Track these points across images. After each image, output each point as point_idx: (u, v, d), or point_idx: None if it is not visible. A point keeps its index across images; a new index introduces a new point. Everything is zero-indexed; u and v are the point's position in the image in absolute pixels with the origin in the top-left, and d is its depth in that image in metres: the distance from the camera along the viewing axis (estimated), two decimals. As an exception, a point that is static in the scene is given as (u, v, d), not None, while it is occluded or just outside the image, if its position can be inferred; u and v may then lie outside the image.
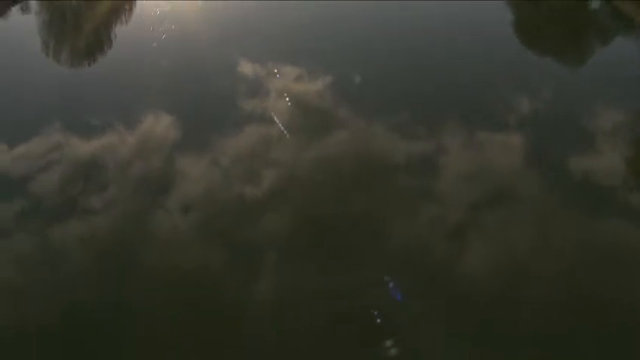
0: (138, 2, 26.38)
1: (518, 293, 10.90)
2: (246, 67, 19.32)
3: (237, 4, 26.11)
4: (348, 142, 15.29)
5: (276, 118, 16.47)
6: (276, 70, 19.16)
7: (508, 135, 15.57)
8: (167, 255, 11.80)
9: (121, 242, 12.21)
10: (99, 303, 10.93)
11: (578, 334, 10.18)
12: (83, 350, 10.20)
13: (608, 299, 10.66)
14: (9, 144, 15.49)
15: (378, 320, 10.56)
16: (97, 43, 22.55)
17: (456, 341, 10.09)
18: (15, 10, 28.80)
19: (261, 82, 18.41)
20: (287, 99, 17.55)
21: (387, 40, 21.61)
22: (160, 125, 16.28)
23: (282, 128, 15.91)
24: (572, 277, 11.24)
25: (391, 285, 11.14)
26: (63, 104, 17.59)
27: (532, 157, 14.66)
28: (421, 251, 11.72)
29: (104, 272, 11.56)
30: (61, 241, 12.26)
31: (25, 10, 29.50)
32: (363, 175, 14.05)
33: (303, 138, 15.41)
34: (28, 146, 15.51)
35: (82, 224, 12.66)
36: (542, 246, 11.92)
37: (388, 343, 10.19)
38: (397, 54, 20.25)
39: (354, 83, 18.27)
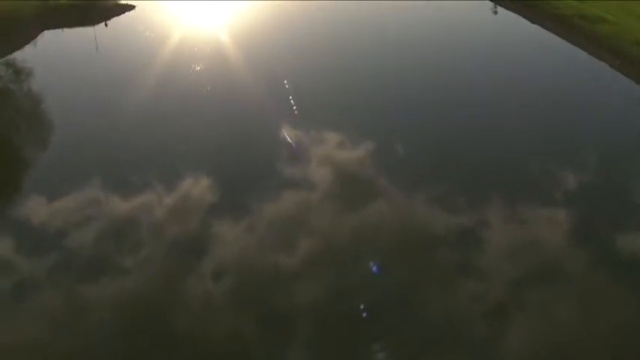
0: (174, 63, 28.52)
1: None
2: (289, 131, 19.90)
3: (277, 68, 27.31)
4: (388, 213, 15.49)
5: (315, 184, 16.84)
6: (318, 136, 19.84)
7: (553, 209, 15.63)
8: (197, 322, 11.75)
9: (151, 306, 12.23)
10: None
11: None
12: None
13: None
14: (48, 197, 15.89)
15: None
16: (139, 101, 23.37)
17: None
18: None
19: (303, 147, 18.94)
20: (327, 166, 17.93)
21: (433, 108, 22.55)
22: (197, 187, 16.58)
23: (321, 195, 16.16)
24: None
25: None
26: (103, 160, 18.20)
27: (578, 232, 14.68)
28: (462, 329, 11.65)
29: (132, 336, 11.59)
30: (91, 299, 12.22)
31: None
32: (402, 248, 14.09)
33: (342, 207, 15.64)
34: (66, 201, 15.83)
35: (113, 284, 12.65)
36: (588, 327, 11.86)
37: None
38: (443, 123, 21.08)
39: (396, 151, 18.63)
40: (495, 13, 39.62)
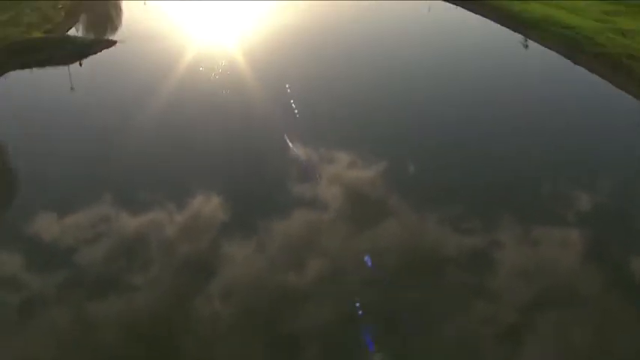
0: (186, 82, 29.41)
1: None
2: (300, 150, 21.32)
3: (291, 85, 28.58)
4: (399, 234, 16.70)
5: (325, 205, 18.04)
6: (328, 155, 21.19)
7: (567, 230, 16.84)
8: (205, 344, 12.96)
9: (159, 325, 13.47)
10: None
11: None
12: None
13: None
14: (58, 214, 17.22)
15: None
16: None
17: None
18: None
19: (314, 166, 20.25)
20: (338, 185, 19.21)
21: (445, 129, 23.81)
22: (208, 205, 17.88)
23: (332, 215, 17.52)
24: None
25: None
26: (113, 177, 19.60)
27: (592, 254, 15.86)
28: (472, 353, 12.70)
29: (139, 356, 12.79)
30: (99, 318, 13.55)
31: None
32: (413, 269, 15.28)
33: (353, 227, 16.95)
34: (77, 217, 17.13)
35: (121, 303, 14.10)
36: (603, 351, 12.69)
37: None
38: (454, 144, 22.40)
39: (408, 171, 20.22)
40: (526, 47, 37.93)
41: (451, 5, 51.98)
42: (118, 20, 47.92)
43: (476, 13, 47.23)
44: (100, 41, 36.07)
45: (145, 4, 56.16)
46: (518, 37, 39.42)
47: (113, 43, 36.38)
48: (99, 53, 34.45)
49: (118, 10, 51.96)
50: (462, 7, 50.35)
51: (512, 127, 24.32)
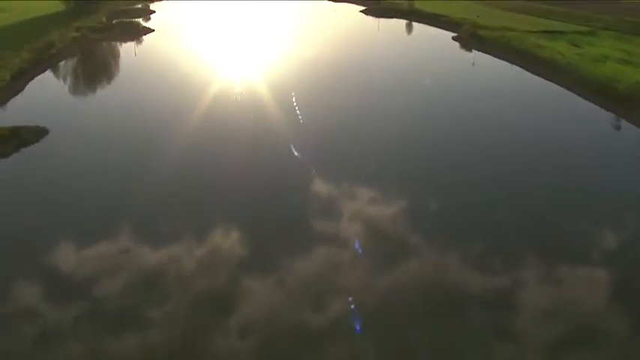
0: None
1: None
2: (321, 186, 22.21)
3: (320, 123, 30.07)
4: (421, 272, 17.65)
5: (347, 242, 19.05)
6: (350, 192, 22.27)
7: (592, 269, 17.88)
8: None
9: None
10: None
11: None
12: None
13: None
14: (77, 245, 18.18)
15: None
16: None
17: None
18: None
19: (335, 202, 21.02)
20: (359, 222, 20.17)
21: (469, 168, 24.39)
22: (228, 240, 18.83)
23: (353, 252, 18.83)
24: None
25: None
26: (134, 210, 20.32)
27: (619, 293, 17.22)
28: None
29: None
30: (114, 352, 14.47)
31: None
32: (434, 309, 16.10)
33: (374, 264, 17.92)
34: (96, 249, 18.08)
35: (138, 337, 15.18)
36: None
37: None
38: (477, 182, 23.17)
39: (430, 209, 21.39)
40: (618, 129, 30.67)
41: (506, 64, 45.90)
42: (77, 87, 39.49)
43: (538, 75, 39.91)
44: (21, 132, 25.15)
45: (135, 54, 49.50)
46: (607, 114, 33.18)
47: (43, 133, 26.70)
48: (10, 157, 24.26)
49: (94, 65, 44.06)
50: (521, 66, 45.21)
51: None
